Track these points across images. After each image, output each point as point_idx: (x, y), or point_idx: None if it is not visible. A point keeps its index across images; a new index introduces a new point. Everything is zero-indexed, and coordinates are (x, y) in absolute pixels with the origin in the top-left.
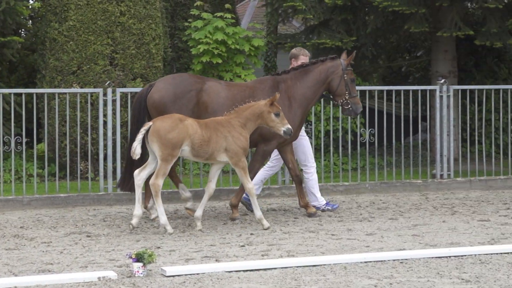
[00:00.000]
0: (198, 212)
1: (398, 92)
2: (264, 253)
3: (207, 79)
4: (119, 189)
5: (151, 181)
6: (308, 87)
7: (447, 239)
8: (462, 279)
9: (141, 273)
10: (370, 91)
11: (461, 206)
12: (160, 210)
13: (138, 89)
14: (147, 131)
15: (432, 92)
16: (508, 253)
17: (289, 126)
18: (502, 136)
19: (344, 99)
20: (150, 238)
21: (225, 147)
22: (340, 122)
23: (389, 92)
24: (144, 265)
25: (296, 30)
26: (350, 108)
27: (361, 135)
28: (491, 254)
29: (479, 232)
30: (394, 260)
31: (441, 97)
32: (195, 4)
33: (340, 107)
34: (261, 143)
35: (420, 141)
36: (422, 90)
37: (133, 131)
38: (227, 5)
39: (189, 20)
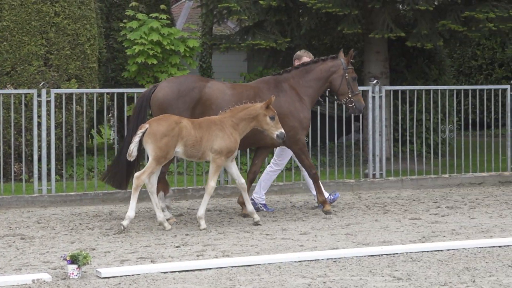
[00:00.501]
0: (200, 212)
1: (331, 93)
2: (199, 253)
3: (210, 79)
4: (104, 180)
5: (136, 174)
6: (309, 86)
7: (379, 237)
8: (394, 276)
9: (76, 275)
10: None
11: (393, 205)
12: (132, 205)
13: (73, 90)
14: (144, 133)
15: (365, 92)
16: (438, 250)
17: (283, 131)
18: (433, 136)
19: (347, 97)
20: (85, 240)
21: (213, 146)
22: None
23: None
24: (79, 267)
25: (231, 31)
26: (354, 106)
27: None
28: (422, 252)
29: (410, 231)
30: (327, 259)
31: (373, 97)
32: (130, 5)
33: (344, 106)
34: (291, 145)
35: (353, 141)
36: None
37: (130, 131)
38: (162, 6)
39: (124, 20)
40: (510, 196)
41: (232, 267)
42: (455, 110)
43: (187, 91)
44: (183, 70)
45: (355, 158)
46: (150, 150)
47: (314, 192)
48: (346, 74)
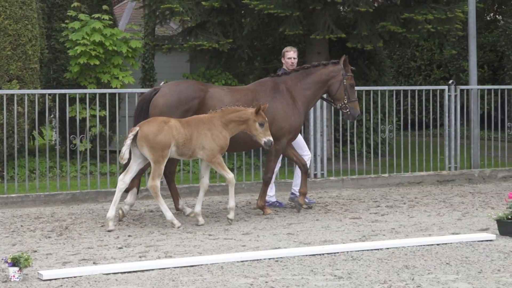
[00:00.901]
0: (197, 208)
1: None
2: (142, 254)
3: (210, 86)
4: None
5: (148, 184)
6: (308, 88)
7: (321, 237)
8: (335, 275)
9: (17, 278)
10: None
11: (334, 205)
12: (164, 208)
13: (14, 91)
14: (135, 136)
15: None
16: (378, 249)
17: (271, 138)
18: (373, 136)
19: (342, 103)
20: (27, 242)
21: (203, 145)
22: None
23: None
24: (20, 269)
25: (174, 32)
26: (348, 112)
27: None
28: (362, 250)
29: (351, 230)
30: (269, 258)
31: None
32: (72, 5)
33: (340, 111)
34: (282, 136)
35: None
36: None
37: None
38: (104, 7)
39: (66, 21)
40: (448, 195)
41: (174, 267)
42: (394, 111)
43: (188, 100)
44: (126, 71)
45: None
46: (147, 153)
47: (296, 188)
48: (345, 81)
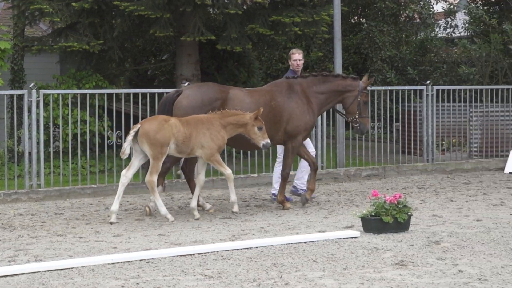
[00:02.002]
0: (193, 203)
1: (144, 95)
2: (11, 258)
3: (230, 88)
4: None
5: (146, 178)
6: (322, 93)
7: (191, 237)
8: (205, 275)
9: None
10: (117, 94)
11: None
12: (159, 203)
13: None
14: (136, 133)
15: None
16: (247, 248)
17: (268, 141)
18: None
19: (354, 117)
20: None
21: (202, 144)
22: (87, 125)
23: (135, 95)
24: None
25: (44, 33)
26: (358, 127)
27: (108, 138)
28: (232, 250)
29: (221, 230)
30: (140, 260)
31: None
32: None
33: (350, 124)
34: (287, 141)
35: None
36: (167, 93)
37: None
38: None
39: None
40: (315, 194)
41: (45, 271)
42: None
43: (211, 102)
44: None
45: None
46: (147, 149)
47: (298, 181)
48: (359, 97)
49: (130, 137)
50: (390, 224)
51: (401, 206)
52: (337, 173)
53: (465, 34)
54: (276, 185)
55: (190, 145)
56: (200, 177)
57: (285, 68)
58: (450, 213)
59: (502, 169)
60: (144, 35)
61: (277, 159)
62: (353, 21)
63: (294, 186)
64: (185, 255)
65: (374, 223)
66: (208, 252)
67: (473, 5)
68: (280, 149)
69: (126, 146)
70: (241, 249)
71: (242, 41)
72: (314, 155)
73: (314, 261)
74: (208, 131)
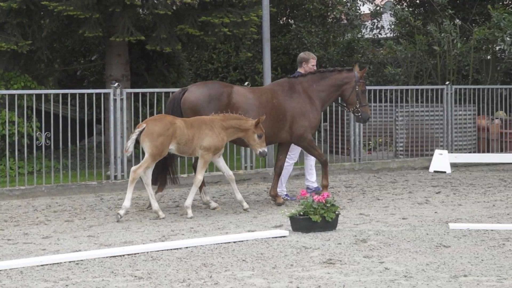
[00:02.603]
0: (188, 202)
1: (73, 96)
2: None
3: (233, 85)
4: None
5: (133, 168)
6: (322, 90)
7: (121, 238)
8: (135, 276)
9: None
10: (46, 94)
11: (134, 206)
12: (128, 195)
13: None
14: (141, 132)
15: (106, 95)
16: (177, 248)
17: (266, 149)
18: None
19: (354, 107)
20: None
21: (202, 144)
22: (16, 126)
23: (65, 96)
24: None
25: None
26: (360, 116)
27: (37, 139)
28: (162, 250)
29: (151, 230)
30: (70, 261)
31: (114, 100)
32: None
33: (352, 114)
34: (298, 142)
35: (95, 144)
36: (96, 94)
37: None
38: None
39: None
40: (244, 194)
41: None
42: None
43: (217, 96)
44: None
45: (97, 160)
46: (146, 147)
47: (310, 178)
48: (357, 87)
49: (134, 136)
50: (318, 223)
51: (329, 205)
52: (266, 173)
53: (391, 35)
54: (284, 183)
55: (192, 146)
56: (198, 177)
57: (214, 69)
58: (377, 211)
59: (427, 168)
60: (73, 35)
61: (288, 156)
62: (281, 22)
63: (308, 187)
64: (115, 256)
65: (302, 222)
66: (138, 253)
67: (399, 6)
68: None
69: (130, 144)
70: (171, 249)
71: (171, 42)
72: (292, 164)
73: (243, 260)
74: (210, 132)
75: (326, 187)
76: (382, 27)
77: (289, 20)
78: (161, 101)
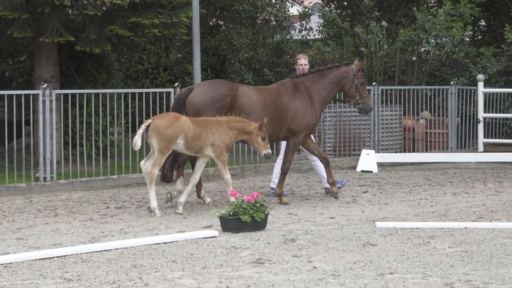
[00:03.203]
0: (182, 199)
1: (2, 97)
2: None
3: (239, 85)
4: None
5: (148, 170)
6: (323, 88)
7: (50, 240)
8: (65, 278)
9: None
10: None
11: (64, 208)
12: (152, 195)
13: None
14: (147, 127)
15: (35, 96)
16: (107, 250)
17: (269, 151)
18: (102, 138)
19: (355, 100)
20: None
21: (211, 142)
22: None
23: None
24: None
25: None
26: (361, 107)
27: None
28: (92, 252)
29: (80, 232)
30: None
31: (44, 101)
32: None
33: (353, 106)
34: (290, 137)
35: (24, 145)
36: (25, 95)
37: None
38: None
39: None
40: (160, 197)
41: None
42: (123, 113)
43: (221, 98)
44: None
45: (26, 162)
46: (154, 143)
47: (323, 178)
48: (355, 80)
49: (141, 130)
50: (248, 223)
51: (258, 205)
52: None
53: (319, 36)
54: (276, 179)
55: (200, 143)
56: (195, 176)
57: (144, 70)
58: (305, 211)
59: (355, 167)
60: (1, 36)
61: (278, 156)
62: (211, 23)
63: (325, 188)
64: (44, 258)
65: (232, 223)
66: (67, 255)
67: (327, 8)
68: (283, 145)
69: (138, 138)
70: (101, 251)
71: (101, 43)
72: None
73: (173, 261)
74: (217, 131)
75: (280, 195)
76: (311, 28)
77: (219, 21)
78: (90, 102)
